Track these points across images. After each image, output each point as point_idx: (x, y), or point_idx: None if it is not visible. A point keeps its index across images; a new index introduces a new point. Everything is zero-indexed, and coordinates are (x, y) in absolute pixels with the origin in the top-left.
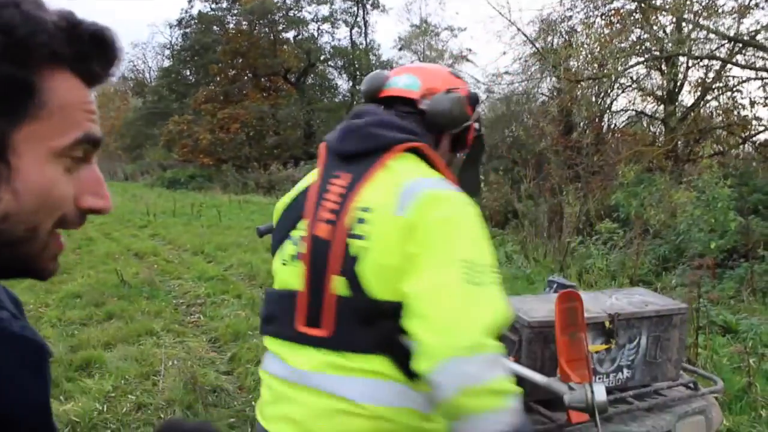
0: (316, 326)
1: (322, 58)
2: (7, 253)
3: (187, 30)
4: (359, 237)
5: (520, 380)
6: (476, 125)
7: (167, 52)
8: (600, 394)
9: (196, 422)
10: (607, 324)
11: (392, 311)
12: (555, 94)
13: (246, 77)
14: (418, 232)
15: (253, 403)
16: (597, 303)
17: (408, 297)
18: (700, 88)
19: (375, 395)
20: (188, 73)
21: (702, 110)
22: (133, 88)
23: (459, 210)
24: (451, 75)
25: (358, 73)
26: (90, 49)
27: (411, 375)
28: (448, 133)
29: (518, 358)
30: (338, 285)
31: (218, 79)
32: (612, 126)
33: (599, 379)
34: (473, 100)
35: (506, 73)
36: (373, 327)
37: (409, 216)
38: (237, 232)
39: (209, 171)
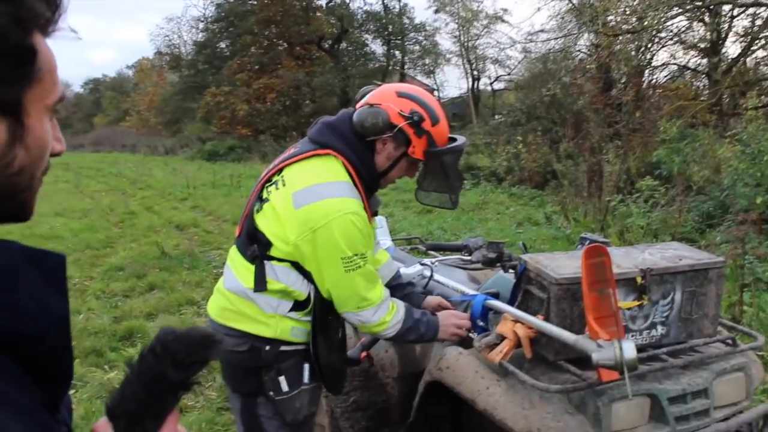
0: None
1: (355, 23)
2: (12, 201)
3: (220, 1)
4: (268, 188)
5: (550, 339)
6: (427, 143)
7: (201, 25)
8: (629, 351)
9: (187, 327)
10: (638, 280)
11: (264, 240)
12: (593, 50)
13: (280, 46)
14: (306, 227)
15: None
16: (628, 258)
17: (317, 283)
18: (746, 38)
19: (232, 284)
20: (223, 46)
21: (748, 61)
22: (169, 62)
23: (337, 217)
24: (395, 95)
25: (392, 37)
26: (56, 11)
27: (257, 288)
28: (382, 140)
29: (547, 316)
30: (251, 210)
31: (252, 49)
32: (653, 81)
33: (632, 336)
34: (408, 117)
35: (541, 31)
36: (252, 243)
37: (300, 211)
38: None
39: (247, 142)
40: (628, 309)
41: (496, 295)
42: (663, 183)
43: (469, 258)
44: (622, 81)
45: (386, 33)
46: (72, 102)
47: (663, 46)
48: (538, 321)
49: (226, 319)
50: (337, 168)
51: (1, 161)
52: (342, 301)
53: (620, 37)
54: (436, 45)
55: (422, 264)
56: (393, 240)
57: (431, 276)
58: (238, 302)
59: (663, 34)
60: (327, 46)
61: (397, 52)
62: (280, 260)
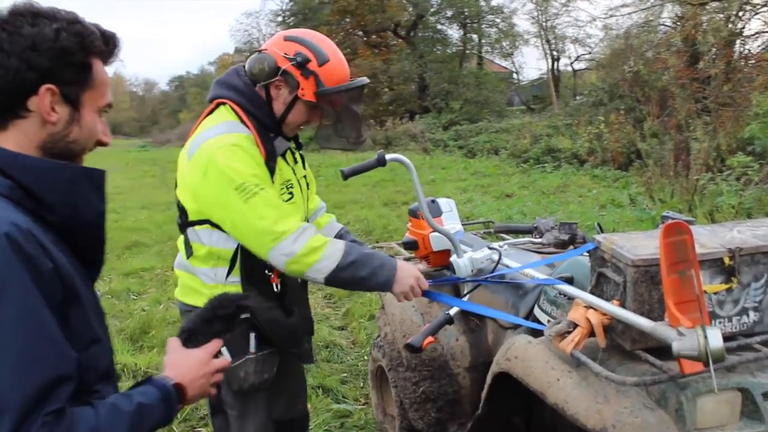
0: None
1: (430, 9)
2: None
3: None
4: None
5: (626, 327)
6: (315, 84)
7: (279, 18)
8: (715, 339)
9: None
10: (726, 260)
11: (182, 207)
12: (677, 22)
13: (356, 36)
14: (198, 172)
15: (365, 357)
16: (715, 237)
17: (230, 230)
18: None
19: (177, 261)
20: None
21: None
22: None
23: (217, 149)
24: (281, 39)
25: (468, 21)
26: (111, 47)
27: (187, 254)
28: (275, 84)
29: (622, 301)
30: None
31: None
32: (745, 52)
33: (719, 323)
34: (291, 59)
35: (623, 5)
36: (179, 216)
37: (192, 160)
38: (355, 189)
39: None
40: (715, 293)
41: (570, 280)
42: (757, 159)
43: (540, 240)
44: (711, 53)
45: (462, 17)
46: (158, 99)
47: (756, 14)
48: (612, 307)
49: (181, 295)
50: (223, 113)
51: (63, 131)
52: (256, 236)
53: (707, 7)
54: (514, 26)
55: (491, 248)
56: (464, 224)
57: (499, 260)
58: (185, 277)
59: (756, 1)
60: (403, 33)
61: (474, 36)
62: (199, 223)
